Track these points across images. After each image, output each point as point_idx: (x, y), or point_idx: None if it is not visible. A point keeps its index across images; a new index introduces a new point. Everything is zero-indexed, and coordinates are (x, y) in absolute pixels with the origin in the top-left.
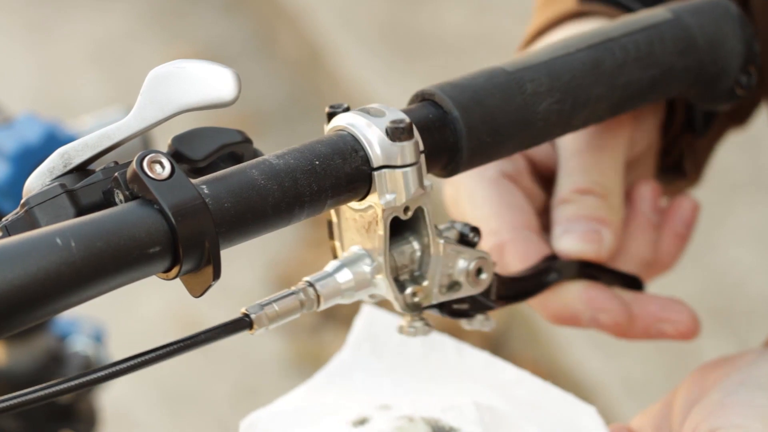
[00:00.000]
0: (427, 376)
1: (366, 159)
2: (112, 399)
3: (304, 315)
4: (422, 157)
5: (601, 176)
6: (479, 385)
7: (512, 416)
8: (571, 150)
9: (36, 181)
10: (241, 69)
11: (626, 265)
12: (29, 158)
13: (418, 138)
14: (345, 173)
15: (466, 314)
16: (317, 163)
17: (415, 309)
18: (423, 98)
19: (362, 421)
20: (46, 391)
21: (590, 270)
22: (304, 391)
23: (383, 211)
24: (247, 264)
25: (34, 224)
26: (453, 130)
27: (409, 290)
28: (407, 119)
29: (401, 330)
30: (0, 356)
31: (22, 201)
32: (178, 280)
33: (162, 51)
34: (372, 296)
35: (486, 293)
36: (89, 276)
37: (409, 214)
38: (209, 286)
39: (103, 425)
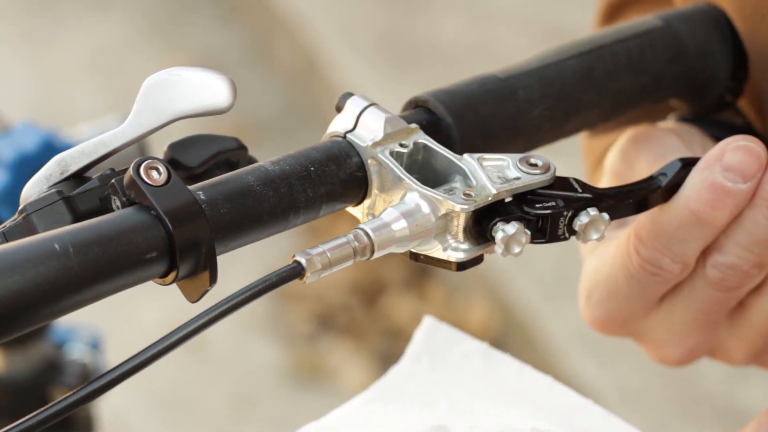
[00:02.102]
0: (485, 396)
1: (361, 165)
2: (110, 406)
3: (301, 324)
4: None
5: None
6: (539, 409)
7: None
8: None
9: (33, 188)
10: (237, 78)
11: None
12: (27, 166)
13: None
14: (340, 179)
15: (564, 215)
16: (312, 169)
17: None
18: (416, 105)
19: None
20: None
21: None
22: (357, 404)
23: (375, 146)
24: (244, 272)
25: (31, 230)
26: (447, 137)
27: (459, 192)
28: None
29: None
30: None
31: (19, 208)
32: (174, 285)
33: (158, 60)
34: (435, 236)
35: (569, 187)
36: (87, 281)
37: (407, 147)
38: (206, 291)
39: None
